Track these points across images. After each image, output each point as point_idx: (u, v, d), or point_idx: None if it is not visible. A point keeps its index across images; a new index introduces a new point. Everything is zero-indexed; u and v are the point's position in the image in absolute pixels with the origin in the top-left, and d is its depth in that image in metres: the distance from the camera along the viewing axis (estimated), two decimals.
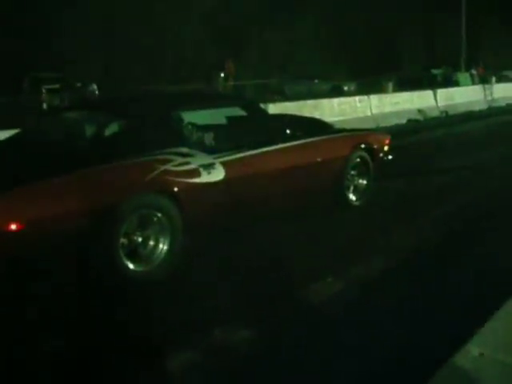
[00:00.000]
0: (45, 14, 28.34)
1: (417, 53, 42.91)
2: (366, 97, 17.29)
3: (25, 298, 4.25)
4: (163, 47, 33.41)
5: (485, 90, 23.13)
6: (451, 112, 18.63)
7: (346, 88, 28.20)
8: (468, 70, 31.78)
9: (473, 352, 2.73)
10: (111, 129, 4.90)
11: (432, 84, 23.98)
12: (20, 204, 4.03)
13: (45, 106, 19.06)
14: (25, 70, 23.02)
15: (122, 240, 4.42)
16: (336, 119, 12.76)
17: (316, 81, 29.85)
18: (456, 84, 26.76)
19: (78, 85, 21.37)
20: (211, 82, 20.68)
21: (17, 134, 5.70)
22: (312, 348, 3.49)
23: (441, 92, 20.12)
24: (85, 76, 23.43)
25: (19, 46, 28.28)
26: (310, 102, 15.51)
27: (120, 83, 25.04)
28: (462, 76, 29.18)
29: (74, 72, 23.85)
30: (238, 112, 5.63)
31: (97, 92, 20.46)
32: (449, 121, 17.41)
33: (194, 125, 5.20)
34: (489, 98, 22.67)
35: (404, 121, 16.69)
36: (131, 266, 4.45)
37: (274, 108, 12.61)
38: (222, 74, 20.82)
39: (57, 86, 20.49)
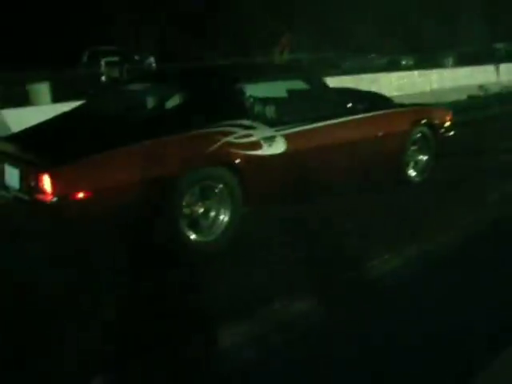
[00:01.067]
0: None
1: (479, 26, 41.58)
2: (425, 71, 16.96)
3: (92, 264, 4.39)
4: (217, 19, 33.39)
5: None
6: None
7: (403, 62, 27.66)
8: None
9: None
10: (174, 101, 4.94)
11: (494, 59, 23.24)
12: (87, 174, 4.15)
13: (103, 78, 19.39)
14: (84, 44, 23.40)
15: (184, 210, 4.50)
16: (394, 94, 12.54)
17: (373, 55, 29.35)
18: None
19: (136, 58, 21.61)
20: (267, 56, 20.56)
21: (82, 106, 5.82)
22: (368, 322, 3.50)
23: (503, 67, 19.52)
24: (142, 49, 23.68)
25: (79, 20, 28.77)
26: (368, 77, 15.34)
27: (176, 56, 25.23)
28: None
29: (131, 45, 24.13)
30: (300, 85, 5.59)
31: (154, 64, 20.64)
32: (511, 97, 16.85)
33: (256, 97, 5.21)
34: None
35: (464, 97, 16.27)
36: (193, 236, 4.54)
37: (330, 82, 12.47)
38: (278, 47, 20.65)
39: (115, 58, 20.77)
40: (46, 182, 3.96)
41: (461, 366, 2.91)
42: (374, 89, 11.89)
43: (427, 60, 24.00)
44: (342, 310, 3.70)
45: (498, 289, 3.85)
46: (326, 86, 5.87)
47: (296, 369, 3.01)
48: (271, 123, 5.07)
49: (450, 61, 23.43)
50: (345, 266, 4.40)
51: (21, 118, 9.57)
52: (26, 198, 4.22)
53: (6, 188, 4.50)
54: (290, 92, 5.61)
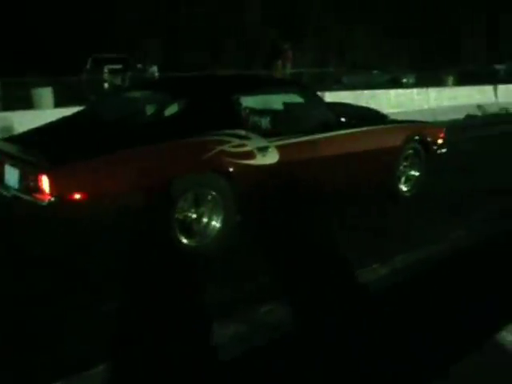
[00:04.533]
0: None
1: (480, 47, 41.89)
2: (424, 89, 17.14)
3: (85, 264, 4.51)
4: (222, 32, 33.68)
5: None
6: None
7: (404, 80, 27.83)
8: None
9: (508, 338, 2.80)
10: (171, 108, 5.08)
11: (494, 79, 23.45)
12: (84, 176, 4.27)
13: (106, 85, 19.53)
14: (88, 51, 23.58)
15: (177, 216, 4.62)
16: (393, 111, 12.68)
17: (375, 71, 29.60)
18: None
19: (139, 66, 21.76)
20: (269, 69, 20.74)
21: (81, 111, 5.95)
22: (354, 328, 3.63)
23: (502, 88, 19.70)
24: (145, 58, 23.86)
25: (83, 27, 29.02)
26: (367, 93, 15.51)
27: (179, 66, 25.44)
28: None
29: (134, 54, 24.33)
30: (295, 98, 5.74)
31: (157, 74, 20.78)
32: (508, 118, 17.00)
33: (251, 108, 5.36)
34: None
35: (462, 116, 16.44)
36: (185, 240, 4.66)
37: (330, 96, 12.66)
38: (280, 61, 20.84)
39: (118, 66, 20.93)
40: (44, 182, 4.09)
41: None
42: (372, 105, 12.05)
43: (428, 78, 24.18)
44: (328, 316, 3.82)
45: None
46: (321, 100, 6.02)
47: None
48: (265, 134, 5.21)
49: (451, 80, 23.60)
50: (333, 275, 4.51)
51: (23, 121, 9.74)
52: (25, 197, 4.35)
53: (7, 187, 4.63)
54: (285, 105, 5.75)
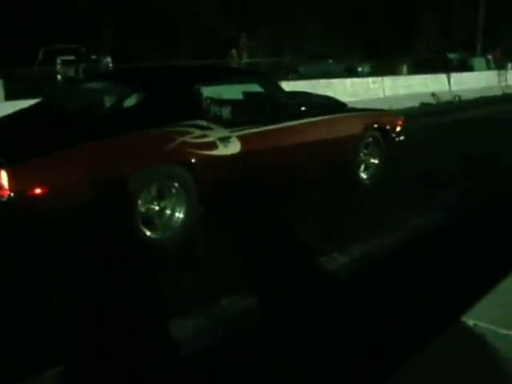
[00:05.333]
0: None
1: (433, 36, 42.55)
2: (379, 78, 17.35)
3: (47, 258, 4.43)
4: (176, 22, 33.37)
5: (500, 75, 23.09)
6: (464, 97, 18.58)
7: (360, 69, 28.14)
8: (484, 54, 31.55)
9: (468, 323, 2.86)
10: (132, 100, 5.01)
11: (447, 68, 23.88)
12: (45, 170, 4.18)
13: (59, 77, 19.16)
14: (40, 42, 23.04)
15: (140, 208, 4.57)
16: (349, 100, 12.75)
17: (330, 61, 29.77)
18: (471, 69, 26.66)
19: (93, 57, 21.42)
20: (224, 58, 20.67)
21: (38, 103, 5.82)
22: (318, 317, 3.65)
23: (455, 76, 20.10)
24: (99, 49, 23.50)
25: (34, 17, 28.35)
26: (323, 82, 15.59)
27: (133, 57, 25.13)
28: (477, 61, 29.03)
29: (88, 44, 23.89)
30: (256, 88, 5.74)
31: (111, 65, 20.49)
32: (461, 106, 17.39)
33: (212, 99, 5.33)
34: (503, 83, 22.63)
35: (417, 104, 16.71)
36: (148, 233, 4.62)
37: (287, 86, 12.64)
38: (235, 51, 20.80)
39: (71, 57, 20.54)
40: (3, 177, 3.99)
41: None
42: (329, 94, 12.13)
43: (383, 67, 24.48)
44: (291, 307, 3.82)
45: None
46: (281, 90, 6.01)
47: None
48: (227, 124, 5.19)
49: (405, 68, 23.97)
50: (294, 263, 4.53)
51: None
52: None
53: None
54: (246, 94, 5.74)
